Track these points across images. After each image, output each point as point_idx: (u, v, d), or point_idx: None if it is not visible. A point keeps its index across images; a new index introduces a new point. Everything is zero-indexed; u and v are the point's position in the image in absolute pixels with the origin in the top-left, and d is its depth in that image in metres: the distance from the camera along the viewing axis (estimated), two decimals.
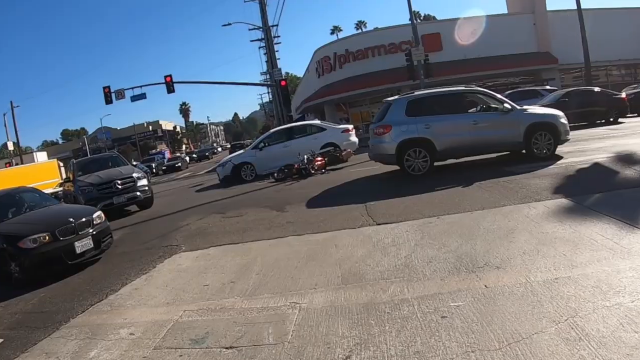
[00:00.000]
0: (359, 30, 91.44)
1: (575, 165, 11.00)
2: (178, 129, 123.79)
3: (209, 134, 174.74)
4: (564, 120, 12.81)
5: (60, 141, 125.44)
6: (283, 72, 41.43)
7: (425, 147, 12.77)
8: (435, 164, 13.08)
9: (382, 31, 42.66)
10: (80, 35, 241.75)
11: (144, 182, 16.89)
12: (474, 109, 13.79)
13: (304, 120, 40.44)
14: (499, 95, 13.75)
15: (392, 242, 7.07)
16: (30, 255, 8.51)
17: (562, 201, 7.85)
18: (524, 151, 12.85)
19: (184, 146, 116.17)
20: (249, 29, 45.57)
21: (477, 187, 10.11)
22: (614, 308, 4.02)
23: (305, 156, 18.38)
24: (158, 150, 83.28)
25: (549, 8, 40.86)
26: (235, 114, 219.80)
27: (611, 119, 21.95)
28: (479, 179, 10.73)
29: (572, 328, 3.79)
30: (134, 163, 33.69)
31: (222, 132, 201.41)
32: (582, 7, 30.57)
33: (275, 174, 18.46)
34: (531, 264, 5.29)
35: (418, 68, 27.80)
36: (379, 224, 8.33)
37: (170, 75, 33.20)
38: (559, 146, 12.76)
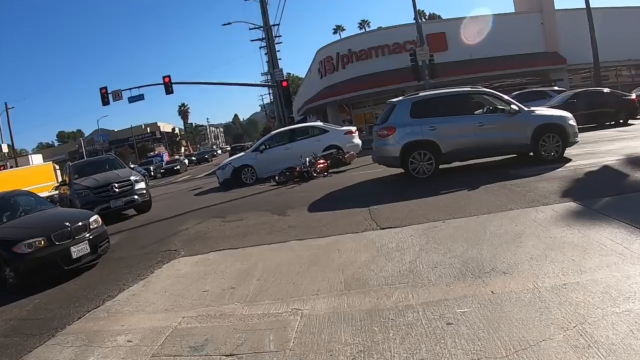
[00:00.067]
0: (362, 30, 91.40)
1: (584, 168, 10.99)
2: (177, 130, 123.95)
3: (209, 136, 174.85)
4: (572, 122, 12.81)
5: (56, 143, 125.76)
6: (284, 73, 41.41)
7: (430, 150, 12.77)
8: (441, 166, 13.08)
9: (386, 31, 42.71)
10: (77, 34, 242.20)
11: (142, 185, 16.91)
12: (480, 110, 13.81)
13: (306, 122, 40.43)
14: (505, 96, 13.74)
15: (396, 247, 7.07)
16: (25, 260, 8.52)
17: (571, 205, 7.85)
18: (531, 154, 12.85)
19: (182, 148, 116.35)
20: (250, 29, 45.59)
21: (484, 190, 10.11)
22: (624, 314, 4.02)
23: (307, 159, 18.39)
24: (156, 152, 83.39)
25: (557, 7, 40.94)
26: (236, 116, 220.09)
27: (621, 121, 21.90)
28: (485, 182, 10.73)
29: (580, 335, 3.79)
30: (132, 166, 33.66)
31: (222, 134, 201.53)
32: (591, 5, 30.55)
33: (277, 177, 18.44)
34: (539, 269, 5.29)
35: (423, 68, 27.80)
36: (383, 228, 8.33)
37: (168, 76, 33.23)
38: (567, 148, 12.75)
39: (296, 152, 19.44)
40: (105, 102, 32.97)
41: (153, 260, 9.09)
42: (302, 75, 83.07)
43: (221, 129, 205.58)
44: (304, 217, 10.73)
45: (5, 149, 54.61)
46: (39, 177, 28.88)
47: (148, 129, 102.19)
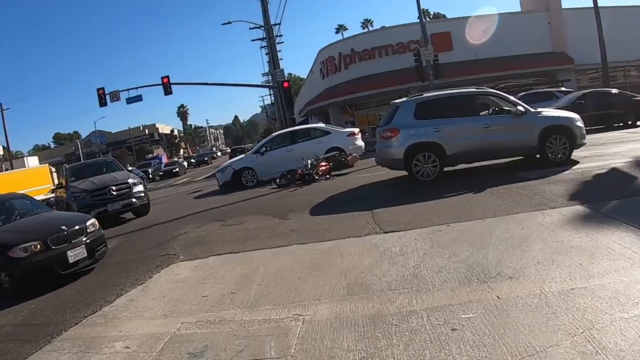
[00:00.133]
0: (365, 29, 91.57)
1: (591, 170, 10.99)
2: (176, 132, 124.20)
3: (208, 138, 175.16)
4: (580, 124, 12.80)
5: (53, 145, 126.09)
6: (286, 73, 41.42)
7: (434, 152, 12.77)
8: (445, 169, 13.07)
9: (390, 30, 42.77)
10: (73, 34, 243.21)
11: (140, 188, 16.94)
12: (486, 111, 13.80)
13: (308, 124, 40.47)
14: (511, 97, 13.74)
15: (400, 251, 7.08)
16: (21, 264, 8.51)
17: (578, 208, 7.84)
18: (538, 156, 12.85)
19: (181, 151, 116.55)
20: (250, 28, 45.68)
21: (489, 193, 10.11)
22: (633, 320, 4.02)
23: (309, 161, 18.39)
24: (155, 154, 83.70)
25: (564, 6, 41.03)
26: (236, 117, 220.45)
27: (629, 122, 21.86)
28: (490, 185, 10.72)
29: (588, 341, 3.79)
30: (130, 168, 33.74)
31: (221, 136, 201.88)
32: (599, 4, 30.58)
33: (278, 180, 18.47)
34: (546, 274, 5.29)
35: (427, 69, 27.82)
36: (386, 232, 8.34)
37: (167, 77, 33.28)
38: (574, 150, 12.73)
39: (297, 154, 19.43)
40: (103, 103, 33.02)
41: (151, 264, 9.10)
42: (304, 75, 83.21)
43: (221, 131, 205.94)
44: (306, 221, 10.74)
45: (0, 151, 54.77)
46: (35, 180, 28.95)
47: (146, 131, 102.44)
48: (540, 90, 29.96)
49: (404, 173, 13.68)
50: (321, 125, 24.17)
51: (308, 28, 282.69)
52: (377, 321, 4.83)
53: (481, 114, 13.48)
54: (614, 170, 10.74)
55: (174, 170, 52.55)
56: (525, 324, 4.23)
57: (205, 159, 78.42)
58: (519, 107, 12.78)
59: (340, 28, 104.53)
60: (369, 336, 4.54)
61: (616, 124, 21.83)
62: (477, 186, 10.85)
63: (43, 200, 18.48)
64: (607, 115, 21.84)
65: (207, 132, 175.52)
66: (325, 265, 7.10)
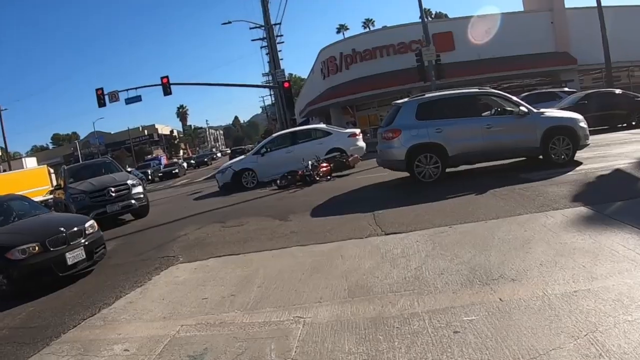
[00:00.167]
0: (367, 29, 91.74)
1: (595, 171, 10.98)
2: (175, 133, 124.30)
3: (208, 139, 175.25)
4: (583, 124, 12.80)
5: (51, 146, 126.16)
6: (286, 73, 41.47)
7: (436, 153, 12.77)
8: (447, 170, 13.07)
9: (391, 30, 42.84)
10: (72, 34, 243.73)
11: (139, 189, 16.94)
12: (488, 112, 13.80)
13: (308, 124, 40.48)
14: (514, 98, 13.73)
15: (401, 253, 7.08)
16: (19, 266, 8.51)
17: (582, 210, 7.84)
18: (540, 157, 12.85)
19: (181, 151, 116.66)
20: (250, 28, 45.78)
21: (492, 194, 10.11)
22: (637, 323, 4.01)
23: (310, 162, 18.40)
24: (154, 155, 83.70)
25: (567, 5, 41.08)
26: (236, 118, 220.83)
27: (633, 123, 21.83)
28: (493, 186, 10.72)
29: (592, 344, 3.79)
30: (129, 169, 33.80)
31: (221, 137, 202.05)
32: (603, 4, 30.56)
33: (278, 181, 18.48)
34: (549, 276, 5.29)
35: (429, 69, 27.84)
36: (388, 234, 8.34)
37: (166, 77, 33.29)
38: (578, 151, 12.71)
39: (298, 155, 19.44)
40: (102, 103, 33.02)
41: (151, 266, 9.10)
42: (305, 76, 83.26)
43: (221, 132, 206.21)
44: (307, 223, 10.74)
45: None
46: (33, 181, 29.02)
47: (145, 132, 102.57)
48: (543, 90, 30.05)
49: (406, 174, 13.68)
50: (322, 126, 24.17)
51: (309, 28, 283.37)
52: (378, 324, 4.83)
53: (483, 114, 13.47)
54: (617, 172, 10.74)
55: (173, 172, 52.56)
56: (528, 327, 4.23)
57: (205, 160, 78.52)
58: (522, 108, 12.77)
59: (342, 28, 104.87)
60: (370, 339, 4.54)
61: (620, 125, 21.82)
62: (479, 187, 10.86)
63: (41, 202, 18.51)
64: (610, 116, 21.83)
65: (207, 132, 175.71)
66: (326, 267, 7.10)
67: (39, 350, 5.84)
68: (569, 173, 11.19)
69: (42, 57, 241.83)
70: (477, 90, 13.87)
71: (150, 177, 50.21)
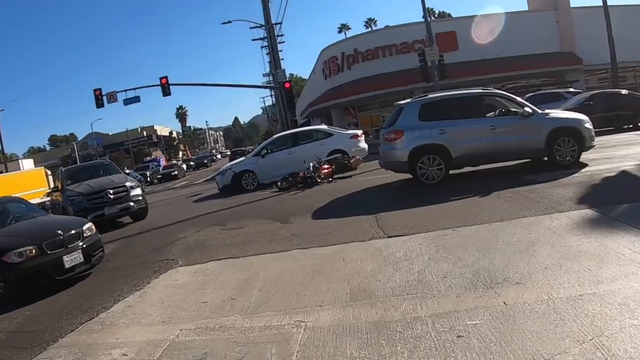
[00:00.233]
0: (369, 29, 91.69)
1: (600, 173, 10.98)
2: (174, 134, 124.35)
3: (208, 140, 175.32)
4: (588, 125, 12.79)
5: (48, 148, 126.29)
6: (287, 74, 41.52)
7: (439, 154, 12.77)
8: (451, 172, 13.07)
9: (394, 29, 42.83)
10: (70, 34, 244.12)
11: (138, 191, 16.96)
12: (492, 113, 13.79)
13: (310, 125, 40.49)
14: (518, 98, 13.71)
15: (404, 256, 7.08)
16: (16, 270, 8.52)
17: (587, 212, 7.84)
18: (545, 158, 12.84)
19: (180, 153, 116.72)
20: (251, 28, 45.84)
21: (496, 196, 10.11)
22: None
23: (311, 164, 18.41)
24: (153, 157, 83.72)
25: (572, 4, 40.99)
26: (236, 119, 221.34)
27: (639, 124, 21.87)
28: (497, 188, 10.72)
29: (597, 348, 3.78)
30: (127, 171, 33.86)
31: (221, 138, 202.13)
32: (609, 3, 30.59)
33: (279, 183, 18.48)
34: (553, 279, 5.29)
35: (432, 69, 27.86)
36: (390, 237, 8.34)
37: (165, 77, 33.40)
38: (583, 153, 12.71)
39: (299, 157, 19.46)
40: (100, 104, 33.11)
41: (149, 270, 9.10)
42: (306, 76, 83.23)
43: (221, 133, 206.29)
44: (308, 225, 10.74)
45: None
46: (30, 183, 29.05)
47: (144, 133, 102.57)
48: (548, 91, 30.04)
49: (409, 176, 13.69)
50: (323, 127, 24.19)
51: (310, 27, 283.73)
52: (380, 328, 4.83)
53: (487, 115, 13.47)
54: (623, 173, 10.73)
55: (172, 173, 52.59)
56: (533, 331, 4.23)
57: (205, 161, 78.59)
58: (526, 109, 12.76)
59: (343, 27, 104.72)
60: (372, 343, 4.54)
61: (626, 126, 21.81)
62: (483, 189, 10.86)
63: (38, 204, 18.50)
64: (616, 117, 21.81)
65: (207, 134, 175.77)
66: (328, 270, 7.10)
67: (36, 354, 5.84)
68: (574, 175, 11.18)
69: (40, 57, 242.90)
70: (481, 90, 13.91)
71: (149, 179, 50.14)
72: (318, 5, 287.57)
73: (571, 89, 30.07)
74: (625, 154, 13.41)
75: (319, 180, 17.86)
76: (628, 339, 3.84)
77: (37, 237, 9.05)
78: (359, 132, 22.55)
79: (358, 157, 20.14)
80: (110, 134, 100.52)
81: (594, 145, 13.00)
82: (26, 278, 8.60)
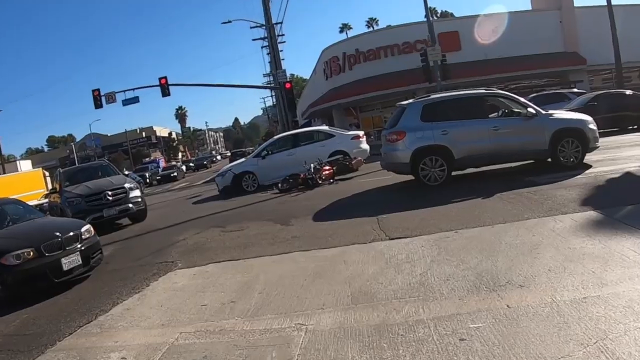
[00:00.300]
0: (370, 29, 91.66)
1: (605, 174, 10.98)
2: (174, 135, 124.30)
3: (208, 141, 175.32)
4: (592, 126, 12.79)
5: (46, 149, 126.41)
6: (288, 74, 41.55)
7: (442, 155, 12.77)
8: (453, 173, 13.09)
9: (396, 29, 42.77)
10: (68, 34, 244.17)
11: (137, 193, 16.98)
12: (495, 113, 13.81)
13: (311, 126, 40.50)
14: (522, 99, 13.72)
15: (406, 259, 7.08)
16: (13, 272, 8.52)
17: (591, 214, 7.84)
18: (549, 159, 12.84)
19: (180, 154, 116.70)
20: (251, 27, 45.93)
21: (499, 198, 10.11)
22: None
23: (312, 165, 18.40)
24: (152, 158, 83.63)
25: (576, 4, 40.97)
26: (236, 119, 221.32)
27: None
28: (500, 190, 10.73)
29: (601, 352, 3.78)
30: (126, 172, 33.75)
31: (221, 139, 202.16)
32: (613, 2, 30.56)
33: (279, 185, 18.49)
34: (557, 282, 5.29)
35: (434, 69, 27.82)
36: (392, 239, 8.34)
37: (165, 77, 33.43)
38: (587, 154, 12.71)
39: (300, 158, 19.46)
40: (98, 105, 33.15)
41: (148, 272, 9.11)
42: (307, 76, 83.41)
43: (221, 134, 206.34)
44: (309, 227, 10.75)
45: None
46: (28, 185, 29.05)
47: (143, 134, 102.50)
48: (551, 91, 29.96)
49: (411, 177, 13.70)
50: (324, 127, 24.19)
51: (311, 27, 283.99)
52: (382, 331, 4.83)
53: (490, 116, 13.48)
54: (628, 175, 10.73)
55: (172, 175, 52.54)
56: (536, 334, 4.23)
57: (205, 162, 78.52)
58: (530, 109, 12.76)
59: (345, 27, 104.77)
60: (374, 346, 4.54)
61: (630, 127, 21.75)
62: (486, 191, 10.86)
63: (36, 206, 18.55)
64: (620, 118, 21.79)
65: (207, 135, 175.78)
66: (329, 273, 7.10)
67: (33, 358, 5.84)
68: (578, 176, 11.19)
69: (38, 57, 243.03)
70: (483, 91, 13.89)
71: (148, 180, 50.11)
72: (319, 4, 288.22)
73: (575, 90, 30.05)
74: (629, 155, 13.41)
75: (320, 182, 17.86)
76: (632, 342, 3.84)
77: (35, 239, 9.05)
78: (361, 133, 22.56)
79: (359, 158, 20.15)
80: (108, 134, 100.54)
81: (598, 147, 13.01)
82: (24, 280, 8.60)
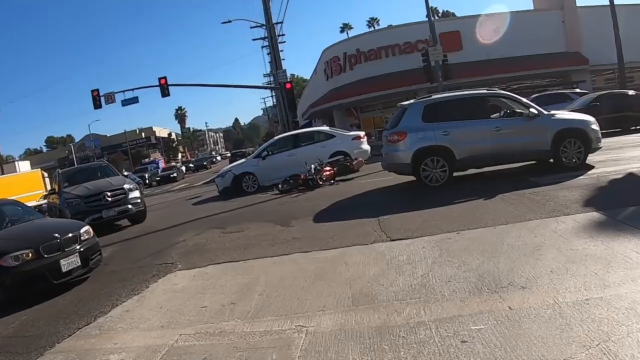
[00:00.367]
0: (371, 28, 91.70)
1: (607, 175, 10.98)
2: (173, 136, 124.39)
3: (207, 142, 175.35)
4: (595, 127, 12.79)
5: (45, 149, 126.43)
6: (288, 74, 41.55)
7: (443, 156, 12.77)
8: (455, 174, 13.09)
9: (397, 29, 42.75)
10: (70, 33, 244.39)
11: (136, 194, 16.98)
12: (497, 114, 13.80)
13: (311, 127, 40.49)
14: (524, 99, 13.73)
15: (407, 260, 7.08)
16: (12, 273, 8.51)
17: (594, 215, 7.84)
18: (551, 160, 12.84)
19: (179, 155, 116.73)
20: (251, 27, 45.89)
21: (500, 199, 10.11)
22: None
23: (313, 166, 18.41)
24: (151, 159, 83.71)
25: (579, 3, 41.00)
26: (236, 120, 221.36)
27: None
28: (502, 191, 10.73)
29: (604, 354, 3.78)
30: (125, 173, 33.81)
31: (221, 140, 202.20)
32: (615, 2, 30.56)
33: (280, 185, 18.49)
34: (559, 283, 5.29)
35: (436, 69, 27.80)
36: (393, 240, 8.34)
37: (164, 77, 33.46)
38: (589, 155, 12.73)
39: (301, 159, 19.47)
40: (97, 105, 33.18)
41: (148, 274, 9.11)
42: (307, 76, 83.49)
43: (221, 134, 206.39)
44: (309, 228, 10.75)
45: None
46: (27, 185, 29.01)
47: (143, 134, 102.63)
48: (554, 91, 29.96)
49: (412, 178, 13.69)
50: (325, 128, 24.20)
51: (311, 27, 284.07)
52: (383, 333, 4.83)
53: (492, 116, 13.48)
54: (630, 176, 10.73)
55: (171, 176, 52.51)
56: (538, 336, 4.23)
57: (204, 163, 78.51)
58: (532, 110, 12.76)
59: (345, 27, 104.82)
60: (375, 348, 4.54)
61: (633, 127, 21.76)
62: (487, 192, 10.85)
63: (35, 207, 18.52)
64: (623, 118, 21.78)
65: (207, 135, 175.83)
66: (330, 274, 7.10)
67: None
68: (580, 177, 11.18)
69: (37, 57, 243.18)
70: (485, 91, 13.90)
71: (147, 181, 50.08)
72: (319, 4, 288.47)
73: (577, 90, 30.08)
74: (632, 155, 13.41)
75: (320, 183, 17.86)
76: (635, 344, 3.84)
77: (34, 241, 9.04)
78: (362, 133, 22.58)
79: (360, 159, 20.15)
80: (108, 135, 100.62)
81: (601, 147, 13.01)
82: (22, 282, 8.59)
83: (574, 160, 12.48)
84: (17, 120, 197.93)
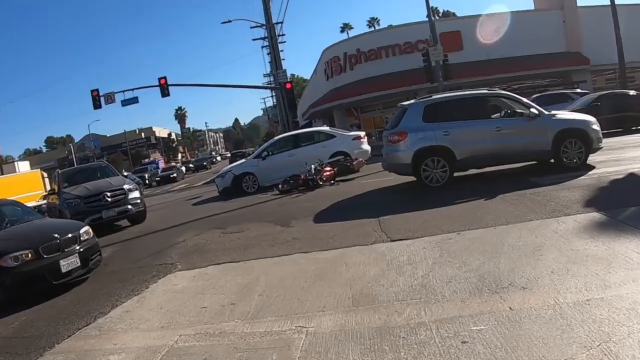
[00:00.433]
0: (372, 28, 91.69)
1: (608, 175, 10.98)
2: (173, 136, 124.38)
3: (207, 142, 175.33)
4: (596, 127, 12.79)
5: (44, 149, 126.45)
6: (288, 74, 41.55)
7: (444, 156, 12.77)
8: (455, 174, 13.08)
9: (397, 29, 42.72)
10: (70, 33, 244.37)
11: (136, 194, 16.97)
12: (498, 114, 13.80)
13: (311, 127, 40.47)
14: (524, 99, 13.74)
15: (407, 260, 7.08)
16: (11, 274, 8.51)
17: (594, 215, 7.84)
18: (552, 160, 12.84)
19: (179, 155, 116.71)
20: (251, 27, 45.87)
21: (501, 199, 10.11)
22: None
23: (313, 166, 18.41)
24: (151, 159, 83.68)
25: (579, 3, 40.93)
26: (236, 120, 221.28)
27: None
28: (502, 191, 10.72)
29: (605, 354, 3.78)
30: (125, 173, 33.76)
31: (221, 140, 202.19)
32: (616, 2, 30.56)
33: (280, 186, 18.48)
34: (560, 284, 5.28)
35: (436, 69, 27.78)
36: (394, 241, 8.34)
37: (164, 77, 33.46)
38: (590, 155, 12.72)
39: (301, 159, 19.47)
40: (97, 105, 33.18)
41: (148, 274, 9.10)
42: (307, 76, 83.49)
43: (221, 134, 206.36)
44: (309, 229, 10.75)
45: None
46: (26, 186, 29.00)
47: (142, 134, 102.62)
48: (554, 91, 29.97)
49: (412, 178, 13.69)
50: (325, 128, 24.20)
51: (312, 27, 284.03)
52: (384, 333, 4.83)
53: (493, 116, 13.48)
54: (631, 176, 10.73)
55: (171, 176, 52.51)
56: (539, 337, 4.22)
57: (204, 163, 78.54)
58: (532, 110, 12.77)
59: (346, 27, 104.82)
60: (375, 349, 4.54)
61: (634, 127, 21.75)
62: (488, 192, 10.85)
63: (34, 207, 18.52)
64: (624, 118, 21.78)
65: (206, 135, 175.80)
66: (330, 274, 7.10)
67: None
68: (581, 177, 11.18)
69: (36, 57, 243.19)
70: (486, 91, 13.90)
71: (147, 181, 50.06)
72: (319, 4, 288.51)
73: (578, 90, 30.08)
74: (633, 156, 13.42)
75: (320, 183, 17.87)
76: (636, 345, 3.84)
77: (34, 241, 9.03)
78: (362, 133, 22.58)
79: (361, 159, 20.15)
80: (107, 135, 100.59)
81: (602, 147, 13.01)
82: (22, 282, 8.59)
83: (574, 160, 12.47)
84: (17, 120, 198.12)
